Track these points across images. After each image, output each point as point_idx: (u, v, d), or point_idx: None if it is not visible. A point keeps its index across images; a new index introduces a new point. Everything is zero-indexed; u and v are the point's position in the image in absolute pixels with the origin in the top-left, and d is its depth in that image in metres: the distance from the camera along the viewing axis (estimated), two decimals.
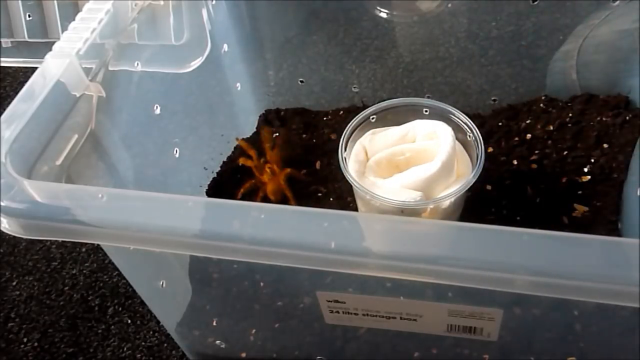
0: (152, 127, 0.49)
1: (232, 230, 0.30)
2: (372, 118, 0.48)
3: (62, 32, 0.42)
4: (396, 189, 0.44)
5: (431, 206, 0.43)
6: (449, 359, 0.44)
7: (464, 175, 0.45)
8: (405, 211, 0.43)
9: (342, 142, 0.46)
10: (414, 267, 0.29)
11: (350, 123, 0.48)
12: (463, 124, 0.46)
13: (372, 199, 0.43)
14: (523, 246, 0.28)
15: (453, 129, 0.46)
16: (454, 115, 0.47)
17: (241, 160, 0.56)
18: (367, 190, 0.43)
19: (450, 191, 0.43)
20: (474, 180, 0.42)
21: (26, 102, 0.37)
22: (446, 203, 0.44)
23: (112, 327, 0.55)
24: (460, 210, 0.48)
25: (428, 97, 0.58)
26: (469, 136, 0.46)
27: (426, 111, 0.48)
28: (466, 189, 0.43)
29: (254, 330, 0.46)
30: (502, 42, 0.57)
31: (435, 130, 0.46)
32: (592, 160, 0.53)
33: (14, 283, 0.59)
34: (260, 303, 0.44)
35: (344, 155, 0.46)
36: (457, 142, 0.46)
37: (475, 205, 0.50)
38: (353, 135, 0.48)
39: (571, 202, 0.50)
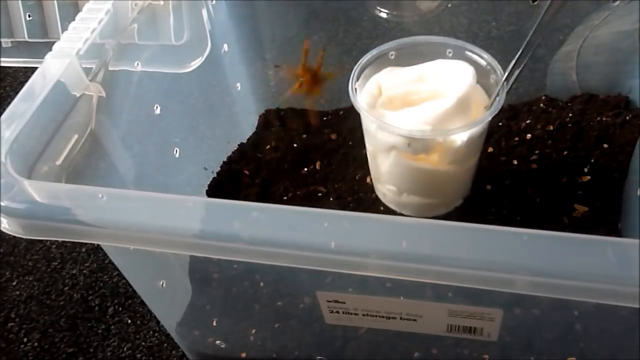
0: (152, 127, 0.49)
1: (232, 230, 0.30)
2: (391, 54, 0.45)
3: (62, 32, 0.42)
4: (406, 123, 0.41)
5: (440, 140, 0.40)
6: (449, 359, 0.44)
7: None
8: (413, 144, 0.41)
9: (354, 72, 0.44)
10: (414, 267, 0.29)
11: (366, 55, 0.45)
12: (488, 65, 0.43)
13: (378, 129, 0.41)
14: (523, 246, 0.28)
15: (477, 71, 0.43)
16: (480, 56, 0.44)
17: (293, 90, 0.54)
18: (374, 118, 0.41)
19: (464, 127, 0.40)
20: (489, 118, 0.39)
21: (26, 102, 0.37)
22: (458, 142, 0.41)
23: (112, 327, 0.55)
24: (476, 159, 0.45)
25: None
26: (492, 78, 0.43)
27: (449, 52, 0.45)
28: (480, 124, 0.40)
29: (254, 330, 0.46)
30: (502, 42, 0.57)
31: (456, 70, 0.43)
32: (592, 160, 0.53)
33: (14, 283, 0.59)
34: (260, 303, 0.44)
35: (355, 85, 0.43)
36: (478, 85, 0.43)
37: (475, 205, 0.50)
38: (367, 69, 0.45)
39: (571, 202, 0.50)
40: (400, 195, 0.47)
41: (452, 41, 0.45)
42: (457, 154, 0.42)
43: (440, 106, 0.40)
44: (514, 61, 0.39)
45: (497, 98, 0.41)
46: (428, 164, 0.43)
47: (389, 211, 0.50)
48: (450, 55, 0.45)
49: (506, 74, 0.40)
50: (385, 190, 0.49)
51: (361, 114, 0.42)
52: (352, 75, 0.44)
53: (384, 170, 0.46)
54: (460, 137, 0.41)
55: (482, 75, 0.44)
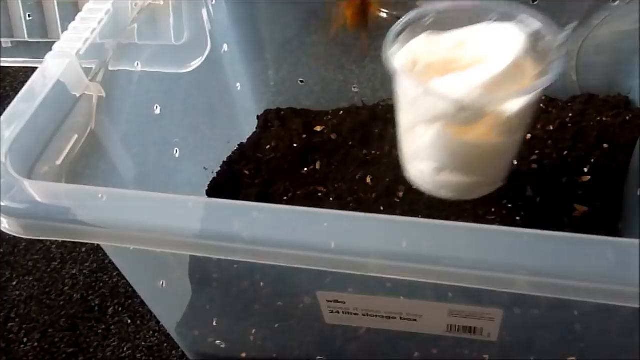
0: (152, 127, 0.49)
1: (232, 230, 0.30)
2: (428, 20, 0.41)
3: (62, 32, 0.42)
4: (451, 89, 0.37)
5: (494, 107, 0.36)
6: (449, 359, 0.44)
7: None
8: (462, 112, 0.36)
9: (388, 36, 0.40)
10: (414, 267, 0.29)
11: (402, 19, 0.41)
12: (541, 30, 0.39)
13: (423, 95, 0.37)
14: (523, 246, 0.28)
15: (530, 37, 0.38)
16: (531, 20, 0.39)
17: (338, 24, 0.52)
18: (420, 82, 0.37)
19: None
20: (550, 82, 0.35)
21: (26, 102, 0.37)
22: (509, 111, 0.37)
23: (112, 327, 0.55)
24: (525, 131, 0.41)
25: None
26: (544, 44, 0.38)
27: (494, 18, 0.40)
28: (538, 90, 0.36)
29: (254, 330, 0.46)
30: None
31: (504, 34, 0.39)
32: (592, 160, 0.53)
33: (14, 283, 0.59)
34: (260, 303, 0.44)
35: (390, 51, 0.39)
36: (528, 51, 0.38)
37: (476, 205, 0.50)
38: (403, 34, 0.41)
39: (571, 202, 0.50)
40: (439, 173, 0.42)
41: (500, 6, 0.40)
42: (506, 126, 0.38)
43: (490, 71, 0.36)
44: (573, 25, 0.36)
45: (556, 62, 0.36)
46: (476, 136, 0.39)
47: (389, 211, 0.50)
48: (496, 20, 0.40)
49: (564, 37, 0.37)
50: (421, 168, 0.44)
51: (401, 79, 0.38)
52: (386, 40, 0.40)
53: (424, 145, 0.41)
54: (513, 106, 0.37)
55: (535, 39, 0.39)
